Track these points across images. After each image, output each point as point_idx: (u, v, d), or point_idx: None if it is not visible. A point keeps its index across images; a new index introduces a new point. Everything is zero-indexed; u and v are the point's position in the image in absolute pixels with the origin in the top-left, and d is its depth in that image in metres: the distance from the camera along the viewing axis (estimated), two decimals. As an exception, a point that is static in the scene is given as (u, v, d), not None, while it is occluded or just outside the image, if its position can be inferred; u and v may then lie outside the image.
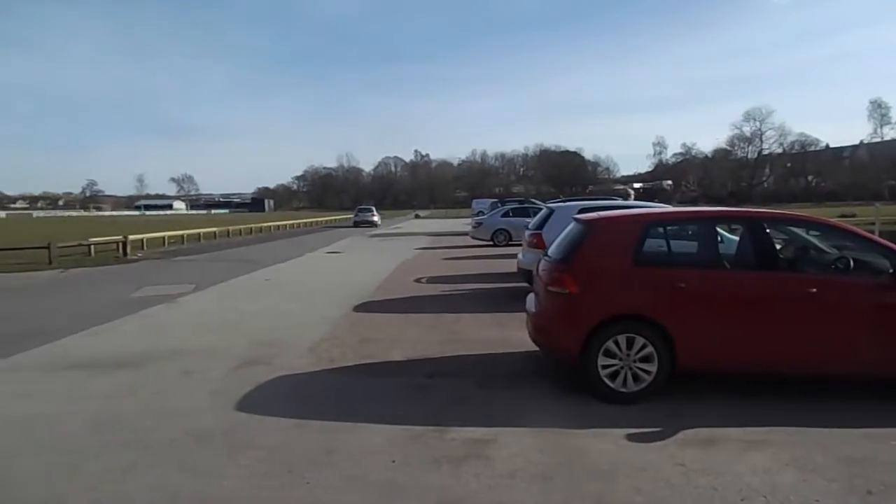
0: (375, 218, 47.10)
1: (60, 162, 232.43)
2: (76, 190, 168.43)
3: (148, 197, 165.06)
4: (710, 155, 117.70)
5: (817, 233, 5.81)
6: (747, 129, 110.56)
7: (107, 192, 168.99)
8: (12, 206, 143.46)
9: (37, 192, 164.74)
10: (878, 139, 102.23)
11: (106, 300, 10.88)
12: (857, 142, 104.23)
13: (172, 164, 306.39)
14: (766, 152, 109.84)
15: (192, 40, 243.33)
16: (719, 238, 6.36)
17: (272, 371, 6.00)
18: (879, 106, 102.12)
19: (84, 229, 35.61)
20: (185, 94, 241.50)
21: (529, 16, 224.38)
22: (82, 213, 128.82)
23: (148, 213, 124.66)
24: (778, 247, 5.41)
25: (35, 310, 10.03)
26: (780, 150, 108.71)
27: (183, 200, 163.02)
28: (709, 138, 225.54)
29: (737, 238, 6.00)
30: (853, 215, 33.25)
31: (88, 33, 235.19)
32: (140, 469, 3.80)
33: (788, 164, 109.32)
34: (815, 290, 4.75)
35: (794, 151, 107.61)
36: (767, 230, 5.15)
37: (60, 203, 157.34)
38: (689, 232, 6.22)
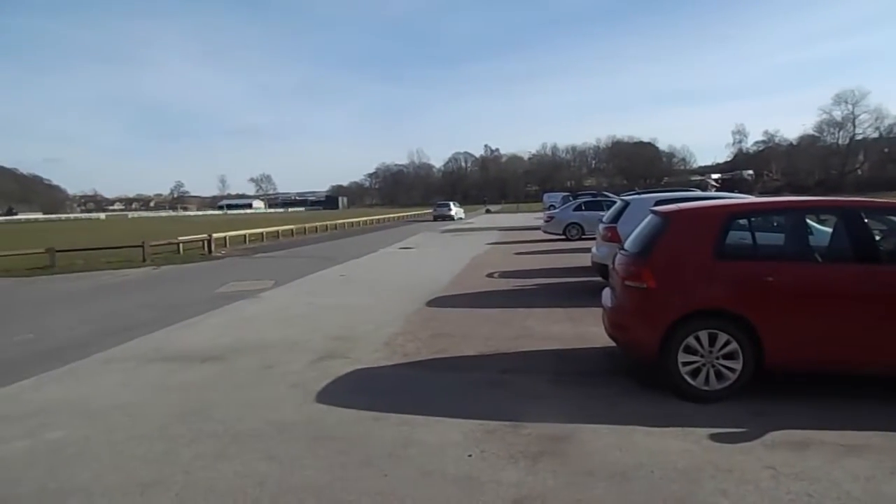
0: (452, 212, 48.80)
1: (152, 166, 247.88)
2: (165, 191, 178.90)
3: (229, 197, 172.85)
4: (795, 142, 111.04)
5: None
6: (838, 114, 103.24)
7: (192, 193, 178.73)
8: (110, 207, 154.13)
9: (131, 195, 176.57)
10: None
11: (193, 296, 11.47)
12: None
13: (251, 165, 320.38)
14: (859, 137, 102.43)
15: (268, 45, 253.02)
16: (809, 229, 6.00)
17: (349, 364, 6.15)
18: None
19: (173, 228, 37.72)
20: (263, 97, 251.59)
21: (601, 7, 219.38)
22: (171, 213, 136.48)
23: (230, 212, 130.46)
24: (877, 238, 5.04)
25: (131, 305, 10.69)
26: (875, 135, 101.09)
27: (261, 199, 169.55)
28: (794, 125, 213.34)
29: (828, 229, 5.64)
30: (961, 203, 30.56)
31: (172, 45, 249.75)
32: (228, 457, 3.99)
33: (886, 150, 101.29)
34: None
35: (892, 136, 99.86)
36: (866, 220, 4.81)
37: (152, 204, 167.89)
38: (776, 223, 5.90)
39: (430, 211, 53.45)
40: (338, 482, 3.57)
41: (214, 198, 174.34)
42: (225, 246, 24.71)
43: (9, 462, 4.06)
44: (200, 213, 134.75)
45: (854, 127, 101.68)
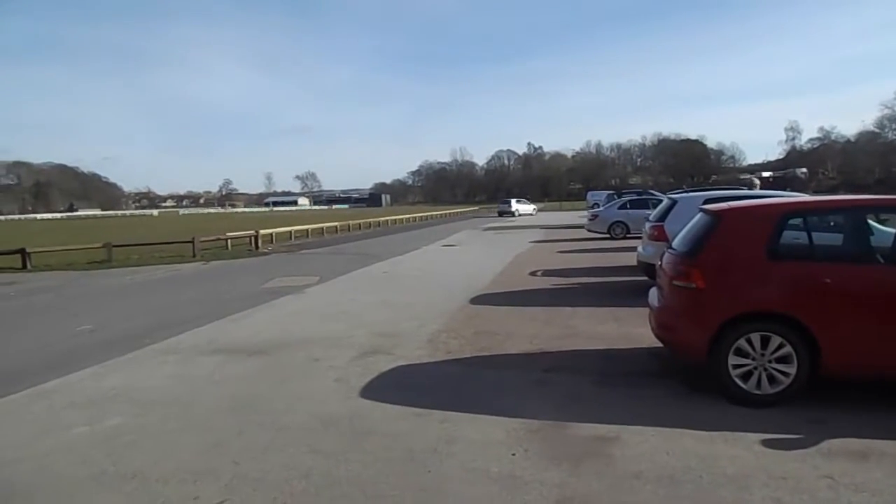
0: (512, 208, 53.49)
1: (202, 164, 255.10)
2: (214, 189, 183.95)
3: (275, 194, 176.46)
4: (852, 139, 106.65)
5: None
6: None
7: (240, 190, 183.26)
8: (163, 204, 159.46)
9: (182, 192, 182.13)
10: None
11: (241, 290, 11.76)
12: None
13: (297, 163, 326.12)
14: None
15: (313, 46, 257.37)
16: (870, 230, 5.74)
17: (393, 360, 6.19)
18: None
19: (221, 225, 38.79)
20: (308, 96, 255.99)
21: (646, 4, 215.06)
22: (219, 210, 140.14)
23: (276, 209, 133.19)
24: None
25: (182, 298, 11.04)
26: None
27: (307, 197, 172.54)
28: (851, 121, 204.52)
29: (890, 230, 5.38)
30: None
31: (222, 46, 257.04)
32: (275, 448, 4.07)
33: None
34: None
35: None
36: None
37: (201, 201, 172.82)
38: (833, 223, 5.66)
39: (475, 209, 56.55)
40: (381, 477, 3.60)
41: (261, 195, 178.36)
42: (271, 242, 25.24)
43: (72, 446, 4.24)
44: (247, 209, 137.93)
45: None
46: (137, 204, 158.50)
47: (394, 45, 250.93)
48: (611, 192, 42.42)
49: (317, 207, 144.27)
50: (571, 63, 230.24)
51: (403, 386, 5.40)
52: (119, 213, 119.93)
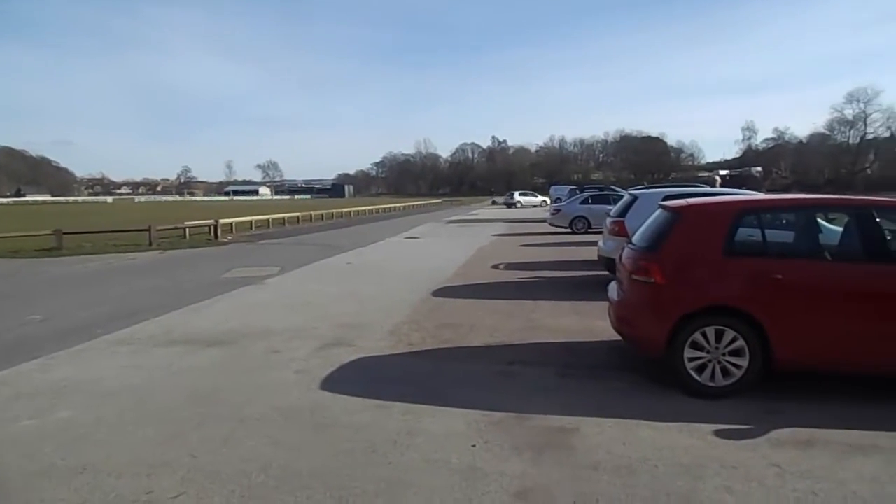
0: (514, 199, 58.71)
1: (160, 151, 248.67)
2: (172, 176, 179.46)
3: (236, 183, 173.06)
4: (805, 140, 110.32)
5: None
6: (849, 112, 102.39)
7: (199, 178, 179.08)
8: (117, 191, 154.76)
9: (138, 179, 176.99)
10: None
11: (200, 281, 11.52)
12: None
13: (258, 152, 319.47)
14: (870, 136, 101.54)
15: (280, 35, 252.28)
16: (819, 227, 5.95)
17: (355, 352, 6.16)
18: None
19: (180, 213, 37.91)
20: (272, 85, 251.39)
21: (612, 0, 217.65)
22: (177, 198, 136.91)
23: (236, 198, 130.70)
24: (889, 237, 4.99)
25: (138, 288, 10.74)
26: (887, 134, 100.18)
27: (268, 186, 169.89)
28: (804, 122, 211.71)
29: (838, 228, 5.59)
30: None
31: (186, 29, 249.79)
32: (234, 441, 4.01)
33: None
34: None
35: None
36: (878, 219, 4.77)
37: (159, 188, 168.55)
38: (786, 221, 5.86)
39: (438, 201, 63.35)
40: (343, 469, 3.59)
41: (221, 183, 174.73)
42: (231, 232, 24.80)
43: (19, 440, 4.10)
44: (207, 198, 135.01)
45: (865, 126, 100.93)
46: (90, 190, 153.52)
47: (360, 36, 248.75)
48: (573, 187, 42.93)
49: (278, 197, 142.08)
50: (536, 57, 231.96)
51: (365, 378, 5.38)
52: (70, 199, 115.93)
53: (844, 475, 3.42)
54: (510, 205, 58.46)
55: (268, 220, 31.03)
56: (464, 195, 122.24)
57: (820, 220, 6.48)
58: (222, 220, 23.77)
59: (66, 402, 4.82)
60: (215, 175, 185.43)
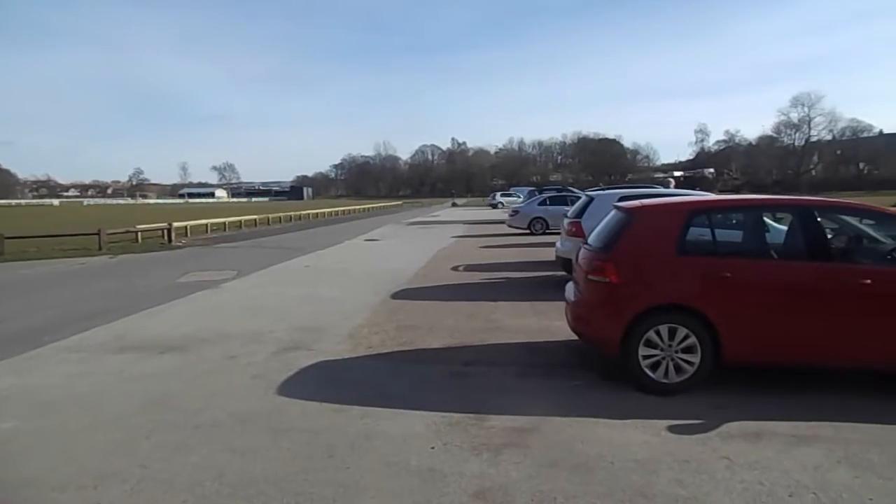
0: (496, 200, 59.53)
1: (110, 151, 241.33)
2: (124, 178, 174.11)
3: (191, 185, 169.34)
4: (754, 142, 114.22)
5: (872, 222, 5.57)
6: (794, 116, 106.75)
7: (152, 181, 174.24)
8: (65, 194, 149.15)
9: (87, 181, 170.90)
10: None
11: (153, 285, 11.21)
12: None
13: (214, 153, 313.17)
14: (814, 139, 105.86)
15: (236, 31, 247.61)
16: (766, 227, 6.16)
17: (313, 356, 6.09)
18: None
19: (131, 216, 36.82)
20: (229, 83, 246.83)
21: (569, 2, 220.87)
22: (129, 200, 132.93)
23: (191, 200, 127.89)
24: (829, 236, 5.21)
25: (87, 294, 10.38)
26: (829, 137, 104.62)
27: (224, 188, 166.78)
28: (754, 125, 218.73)
29: (783, 227, 5.80)
30: (908, 204, 31.79)
31: (138, 26, 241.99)
32: (187, 448, 3.92)
33: (839, 152, 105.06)
34: (868, 281, 4.57)
35: (844, 138, 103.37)
36: (819, 219, 4.96)
37: (109, 191, 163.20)
38: (735, 221, 6.04)
39: (398, 203, 62.92)
40: (300, 474, 3.54)
41: (175, 186, 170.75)
42: (186, 235, 24.20)
43: (-45, 455, 3.91)
44: (160, 201, 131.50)
45: (809, 129, 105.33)
46: (35, 193, 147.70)
47: (320, 35, 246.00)
48: (532, 188, 43.41)
49: (235, 200, 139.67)
50: (495, 60, 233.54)
51: (323, 382, 5.33)
52: (13, 202, 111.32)
53: (789, 465, 3.56)
54: (493, 205, 59.31)
55: (224, 223, 30.47)
56: (424, 197, 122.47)
57: (767, 220, 6.73)
58: (176, 224, 23.17)
59: (10, 413, 4.62)
60: (169, 177, 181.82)
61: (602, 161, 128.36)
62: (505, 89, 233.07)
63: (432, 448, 3.88)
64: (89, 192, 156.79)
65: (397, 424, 4.28)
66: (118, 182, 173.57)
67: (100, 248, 18.27)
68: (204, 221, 28.56)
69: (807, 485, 3.32)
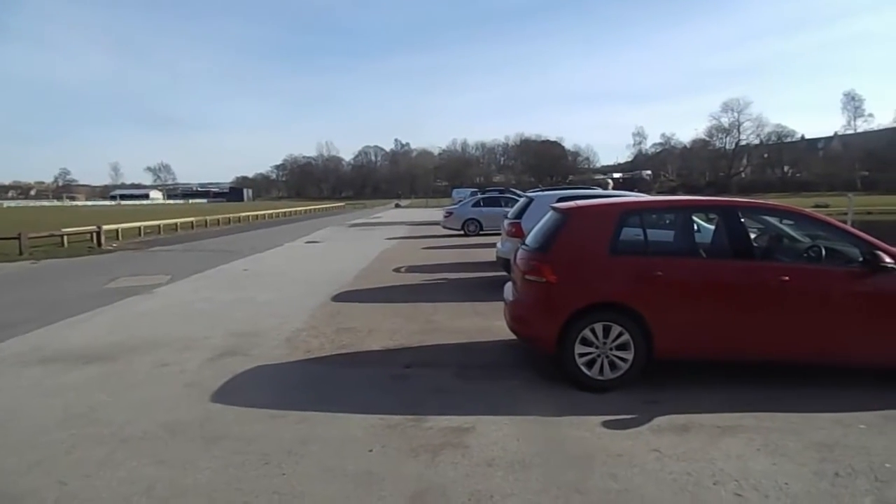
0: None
1: (32, 151, 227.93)
2: (49, 179, 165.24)
3: (123, 187, 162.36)
4: (688, 145, 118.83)
5: (791, 222, 5.88)
6: (725, 120, 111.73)
7: (81, 182, 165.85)
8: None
9: (7, 182, 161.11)
10: (852, 131, 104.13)
11: (79, 292, 10.68)
12: (831, 133, 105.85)
13: (149, 154, 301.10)
14: (743, 143, 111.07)
15: (173, 29, 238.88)
16: (696, 227, 6.41)
17: (249, 361, 5.94)
18: (853, 98, 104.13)
19: (57, 219, 35.00)
20: (165, 83, 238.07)
21: (510, 7, 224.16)
22: (55, 202, 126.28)
23: (123, 202, 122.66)
24: (752, 236, 5.46)
25: (4, 302, 9.80)
26: (757, 141, 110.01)
27: (160, 190, 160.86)
28: (688, 129, 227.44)
29: (711, 227, 6.05)
30: (826, 205, 33.73)
31: (65, 20, 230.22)
32: (113, 462, 3.74)
33: (765, 155, 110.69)
34: (787, 278, 4.81)
35: (770, 142, 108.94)
36: (742, 219, 5.19)
37: (32, 193, 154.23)
38: (666, 221, 6.25)
39: (341, 205, 61.51)
40: (233, 483, 3.45)
41: (106, 187, 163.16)
42: (117, 239, 23.18)
43: None
44: (90, 203, 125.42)
45: (739, 133, 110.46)
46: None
47: (260, 35, 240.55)
48: (475, 189, 43.81)
49: (171, 202, 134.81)
50: (439, 61, 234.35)
51: (260, 387, 5.21)
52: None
53: (714, 454, 3.71)
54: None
55: (159, 225, 29.37)
56: (367, 198, 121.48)
57: (697, 220, 7.01)
58: (106, 227, 22.19)
59: (-86, 432, 4.31)
60: (100, 178, 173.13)
61: (544, 163, 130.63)
62: (447, 92, 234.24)
63: (370, 451, 3.85)
64: (10, 194, 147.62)
65: (335, 428, 4.23)
66: (42, 183, 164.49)
67: (20, 253, 17.27)
68: (137, 224, 27.45)
69: (730, 473, 3.46)
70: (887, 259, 4.75)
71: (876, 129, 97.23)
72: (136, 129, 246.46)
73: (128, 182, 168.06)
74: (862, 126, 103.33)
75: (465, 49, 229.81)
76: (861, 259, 4.88)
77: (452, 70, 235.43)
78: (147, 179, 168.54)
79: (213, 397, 4.94)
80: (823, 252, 5.09)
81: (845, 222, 9.56)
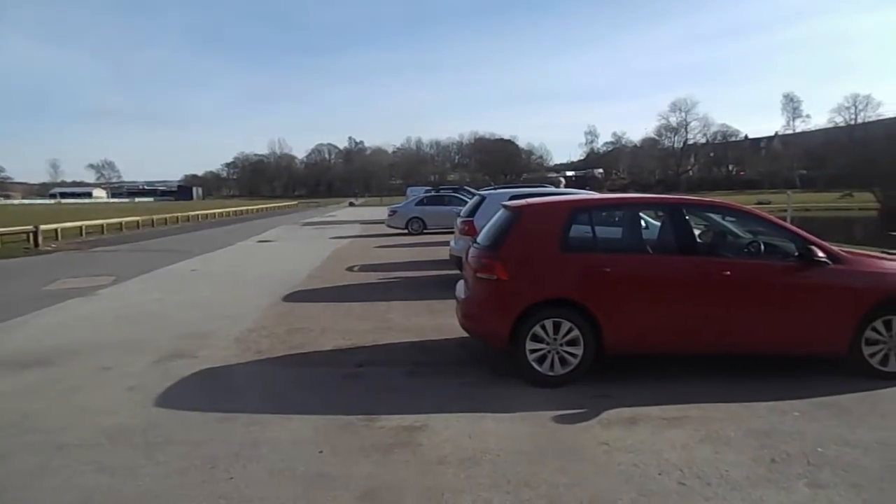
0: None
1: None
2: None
3: (63, 184, 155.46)
4: (639, 144, 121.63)
5: (733, 219, 6.07)
6: (673, 120, 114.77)
7: (16, 179, 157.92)
8: None
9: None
10: (791, 131, 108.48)
11: (15, 294, 10.21)
12: (772, 133, 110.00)
13: (91, 150, 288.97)
14: (691, 142, 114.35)
15: (117, 19, 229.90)
16: (644, 224, 6.56)
17: (196, 364, 5.79)
18: (791, 100, 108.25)
19: (-9, 219, 33.36)
20: (108, 75, 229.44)
21: (464, 5, 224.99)
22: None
23: (64, 201, 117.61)
24: (697, 232, 5.63)
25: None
26: (703, 141, 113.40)
27: (104, 188, 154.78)
28: (639, 128, 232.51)
29: (658, 224, 6.20)
30: (769, 202, 35.09)
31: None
32: (49, 471, 3.59)
33: (711, 154, 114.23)
34: (728, 272, 4.98)
35: (716, 142, 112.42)
36: (686, 216, 5.34)
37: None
38: (614, 218, 6.37)
39: (294, 203, 61.32)
40: (177, 489, 3.35)
41: (45, 185, 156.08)
42: (56, 239, 22.27)
43: None
44: (26, 201, 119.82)
45: (686, 132, 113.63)
46: None
47: (210, 27, 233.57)
48: (429, 188, 43.79)
49: (116, 200, 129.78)
50: (393, 58, 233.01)
51: (207, 390, 5.08)
52: None
53: (660, 446, 3.80)
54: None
55: (102, 225, 28.35)
56: (321, 197, 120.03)
57: (645, 217, 7.17)
58: (44, 227, 21.30)
59: None
60: (37, 176, 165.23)
61: (498, 161, 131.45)
62: (401, 90, 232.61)
63: (320, 452, 3.80)
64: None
65: (285, 430, 4.16)
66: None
67: (-49, 255, 16.43)
68: (79, 223, 26.40)
69: (675, 463, 3.56)
70: (820, 253, 4.97)
71: (813, 129, 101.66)
72: (79, 125, 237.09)
73: (69, 180, 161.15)
74: (800, 126, 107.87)
75: (418, 47, 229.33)
76: (797, 254, 5.09)
77: (405, 68, 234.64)
78: (90, 177, 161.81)
79: (157, 401, 4.79)
80: (762, 247, 5.29)
81: (785, 219, 9.96)
